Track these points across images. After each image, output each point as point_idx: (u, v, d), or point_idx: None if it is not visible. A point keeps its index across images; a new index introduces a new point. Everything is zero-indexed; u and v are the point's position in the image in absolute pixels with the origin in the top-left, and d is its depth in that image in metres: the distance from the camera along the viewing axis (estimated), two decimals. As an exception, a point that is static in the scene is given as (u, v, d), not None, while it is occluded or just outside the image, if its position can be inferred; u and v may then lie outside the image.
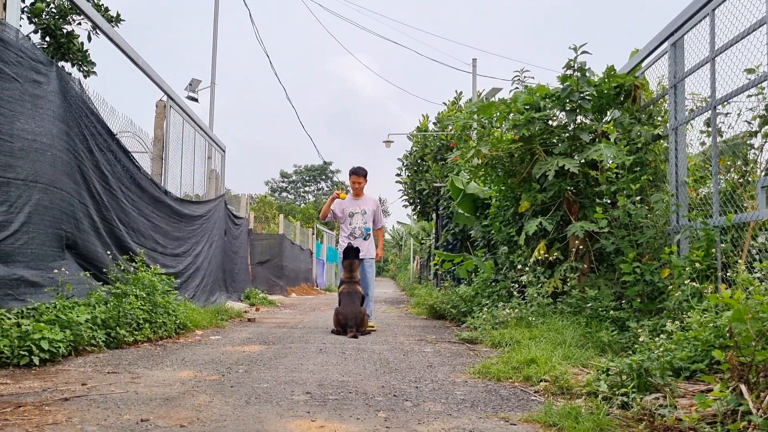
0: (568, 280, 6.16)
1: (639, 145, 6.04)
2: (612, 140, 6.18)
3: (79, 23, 8.40)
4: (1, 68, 4.57)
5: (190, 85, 14.29)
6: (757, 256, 4.49)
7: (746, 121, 4.78)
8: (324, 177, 64.35)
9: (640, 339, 3.93)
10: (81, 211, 5.75)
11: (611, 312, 5.32)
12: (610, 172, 5.87)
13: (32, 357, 3.96)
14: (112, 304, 5.30)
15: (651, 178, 5.95)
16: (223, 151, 11.83)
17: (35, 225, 4.88)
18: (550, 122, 6.85)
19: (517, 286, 7.03)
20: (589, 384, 3.37)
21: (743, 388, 2.53)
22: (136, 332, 5.40)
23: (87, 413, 2.81)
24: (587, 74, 6.46)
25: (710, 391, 2.80)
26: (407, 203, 19.58)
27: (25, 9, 7.85)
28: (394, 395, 3.47)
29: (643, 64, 6.46)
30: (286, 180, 64.84)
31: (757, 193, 4.29)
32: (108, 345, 5.01)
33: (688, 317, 3.79)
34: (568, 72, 6.56)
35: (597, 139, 6.44)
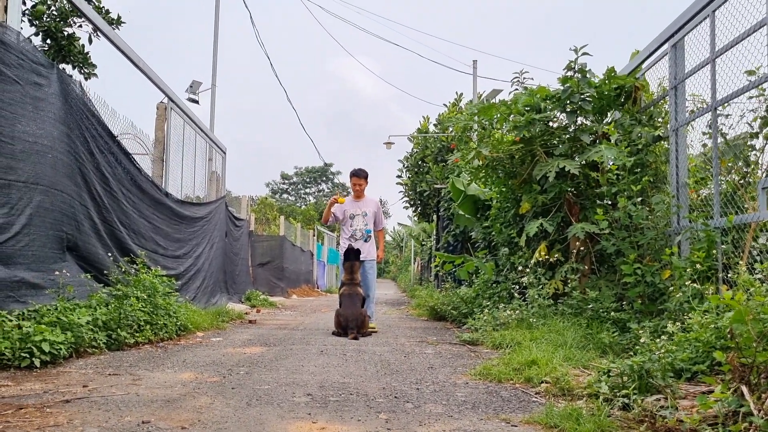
0: (569, 281, 6.16)
1: (639, 147, 6.04)
2: (613, 142, 6.18)
3: (80, 25, 8.43)
4: (2, 71, 4.58)
5: (191, 87, 14.30)
6: (758, 257, 4.49)
7: (747, 123, 4.78)
8: (324, 178, 64.40)
9: (641, 340, 3.93)
10: (82, 213, 5.76)
11: (612, 313, 5.32)
12: (611, 174, 5.87)
13: (33, 359, 3.96)
14: (113, 305, 5.30)
15: (652, 180, 5.95)
16: (224, 153, 11.84)
17: (36, 227, 4.89)
18: (550, 124, 6.85)
19: (517, 287, 7.02)
20: (590, 385, 3.37)
21: (744, 389, 2.53)
22: (137, 334, 5.40)
23: (88, 415, 2.82)
24: (588, 76, 6.47)
25: (711, 392, 2.80)
26: (408, 205, 19.59)
27: (26, 11, 7.87)
28: (395, 397, 3.47)
29: (644, 66, 6.46)
30: (286, 181, 64.90)
31: (757, 195, 4.29)
32: (109, 347, 5.01)
33: (689, 318, 3.78)
34: (569, 73, 6.57)
35: (598, 141, 6.44)
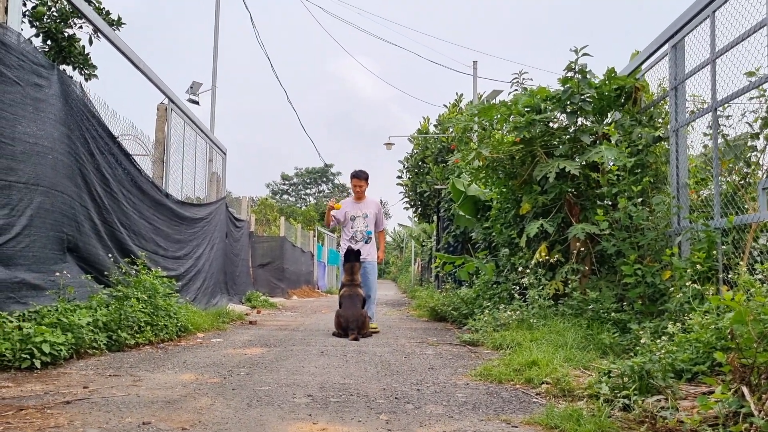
0: (570, 282, 6.16)
1: (640, 147, 6.04)
2: (613, 142, 6.18)
3: (81, 27, 8.44)
4: (2, 72, 4.58)
5: (191, 87, 14.30)
6: (758, 258, 4.49)
7: (747, 123, 4.78)
8: (325, 179, 64.43)
9: (642, 341, 3.94)
10: (82, 214, 5.76)
11: (612, 314, 5.32)
12: (611, 174, 5.87)
13: (34, 360, 3.96)
14: (113, 306, 5.30)
15: (652, 180, 5.95)
16: (224, 154, 11.85)
17: (37, 228, 4.89)
18: (550, 124, 6.86)
19: (518, 288, 7.02)
20: (590, 386, 3.37)
21: (745, 390, 2.53)
22: (138, 335, 5.40)
23: (89, 416, 2.82)
24: (588, 76, 6.47)
25: (712, 393, 2.80)
26: (408, 205, 19.59)
27: (27, 12, 7.88)
28: (396, 398, 3.47)
29: (644, 66, 6.46)
30: (287, 182, 64.92)
31: (758, 195, 4.29)
32: (109, 348, 5.01)
33: (690, 319, 3.79)
34: (569, 74, 6.57)
35: (598, 141, 6.44)
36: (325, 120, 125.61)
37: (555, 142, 6.80)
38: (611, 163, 5.90)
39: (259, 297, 12.84)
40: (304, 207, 54.87)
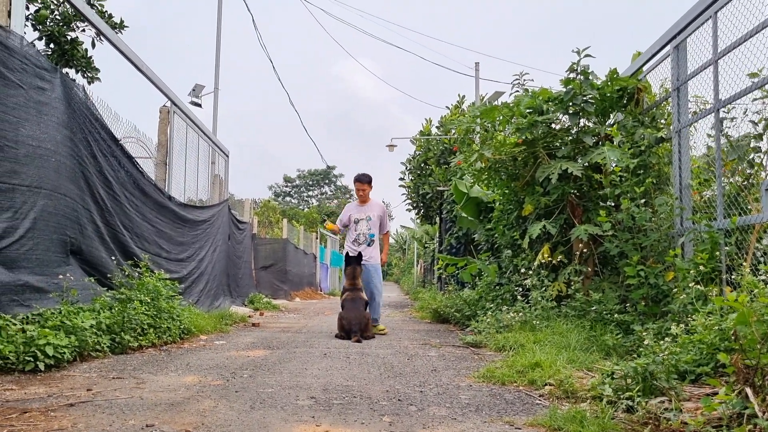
0: (572, 283, 6.15)
1: (642, 148, 6.03)
2: (615, 143, 6.17)
3: (83, 30, 8.46)
4: (6, 75, 4.60)
5: (194, 90, 14.32)
6: (761, 259, 4.48)
7: (751, 121, 4.77)
8: (327, 181, 64.44)
9: (645, 342, 3.93)
10: (85, 216, 5.77)
11: (616, 315, 5.31)
12: (614, 175, 5.86)
13: (37, 363, 3.97)
14: (116, 309, 5.31)
15: (655, 181, 5.94)
16: (227, 156, 11.86)
17: (40, 231, 4.90)
18: (553, 125, 6.85)
19: (521, 289, 7.02)
20: (593, 388, 3.37)
21: (749, 391, 2.52)
22: (141, 337, 5.41)
23: (92, 419, 2.82)
24: (590, 77, 6.46)
25: (716, 394, 2.80)
26: (411, 207, 19.59)
27: (30, 16, 7.90)
28: (399, 400, 3.46)
29: (646, 67, 6.45)
30: (289, 184, 64.93)
31: (761, 196, 4.28)
32: (113, 350, 5.02)
33: (693, 320, 3.78)
34: (571, 75, 6.57)
35: (600, 142, 6.43)
36: (327, 122, 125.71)
37: (557, 144, 6.80)
38: (614, 164, 5.89)
39: (261, 299, 12.85)
40: (306, 209, 54.89)
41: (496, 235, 8.54)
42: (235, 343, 6.28)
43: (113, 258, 6.13)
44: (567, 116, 6.68)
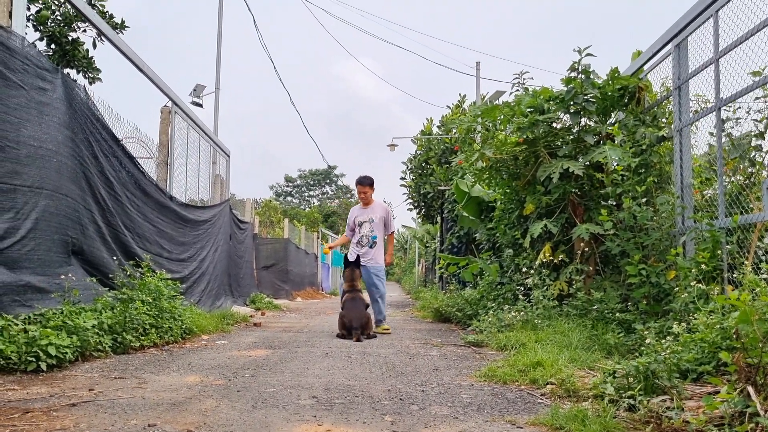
0: (574, 282, 6.15)
1: (644, 147, 6.03)
2: (617, 142, 6.17)
3: (84, 30, 8.46)
4: (7, 76, 4.60)
5: (195, 90, 14.32)
6: (763, 257, 4.47)
7: (754, 120, 4.77)
8: (328, 181, 64.45)
9: (647, 341, 3.92)
10: (86, 217, 5.78)
11: (617, 314, 5.31)
12: (616, 174, 5.86)
13: (39, 363, 3.97)
14: (118, 309, 5.32)
15: (656, 180, 5.94)
16: (228, 156, 11.87)
17: (42, 231, 4.91)
18: (554, 125, 6.85)
19: (522, 288, 7.01)
20: (595, 386, 3.37)
21: (751, 389, 2.52)
22: (143, 337, 5.42)
23: (94, 418, 2.83)
24: (591, 76, 6.46)
25: (717, 393, 2.80)
26: (412, 206, 19.59)
27: (31, 17, 7.91)
28: (401, 399, 3.47)
29: (647, 66, 6.45)
30: (290, 184, 64.96)
31: (762, 195, 4.28)
32: (115, 350, 5.03)
33: (695, 319, 3.77)
34: (572, 74, 6.56)
35: (602, 141, 6.43)
36: (328, 122, 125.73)
37: (558, 143, 6.79)
38: (615, 163, 5.89)
39: (263, 299, 12.86)
40: (307, 209, 54.92)
41: (498, 235, 8.53)
42: (236, 342, 6.28)
43: (115, 258, 6.14)
44: (568, 115, 6.68)
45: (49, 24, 8.12)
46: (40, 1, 7.99)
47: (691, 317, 4.04)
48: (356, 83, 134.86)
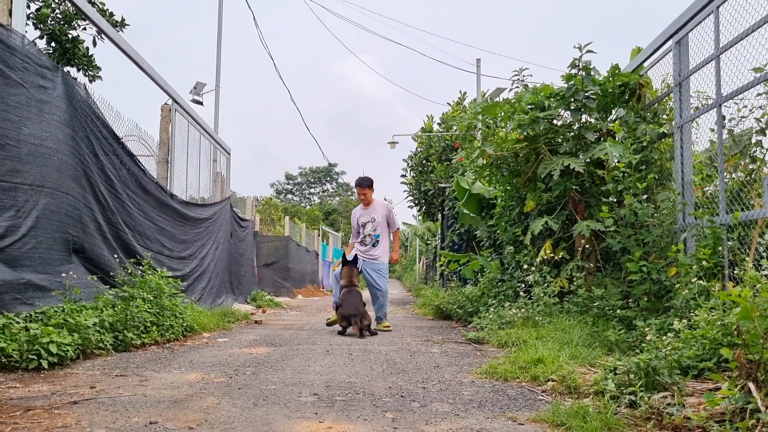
0: (575, 279, 6.15)
1: (644, 144, 6.02)
2: (618, 139, 6.16)
3: (84, 28, 8.46)
4: (7, 74, 4.60)
5: (195, 88, 14.31)
6: (764, 254, 4.47)
7: (756, 118, 4.76)
8: (329, 178, 64.45)
9: (648, 338, 3.92)
10: (87, 215, 5.78)
11: (618, 311, 5.31)
12: (617, 171, 5.85)
13: (41, 361, 3.98)
14: (119, 307, 5.32)
15: (657, 177, 5.93)
16: (229, 154, 11.87)
17: (42, 229, 4.91)
18: (554, 122, 6.84)
19: (523, 285, 7.02)
20: (596, 383, 3.37)
21: (752, 386, 2.52)
22: (144, 335, 5.42)
23: (96, 416, 2.83)
24: (592, 73, 6.45)
25: (718, 389, 2.80)
26: (412, 204, 19.58)
27: (31, 15, 7.91)
28: (402, 396, 3.47)
29: (647, 63, 6.44)
30: (291, 182, 64.97)
31: (763, 191, 4.28)
32: (116, 348, 5.03)
33: (696, 315, 3.77)
34: (573, 71, 6.55)
35: (602, 138, 6.42)
36: (328, 120, 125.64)
37: (559, 140, 6.79)
38: (616, 160, 5.88)
39: (264, 296, 12.87)
40: (308, 206, 54.94)
41: (498, 232, 8.53)
42: (237, 340, 6.29)
43: (115, 256, 6.14)
44: (569, 112, 6.67)
45: (49, 22, 8.12)
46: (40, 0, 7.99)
47: (692, 314, 4.04)
48: (357, 81, 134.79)
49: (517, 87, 7.66)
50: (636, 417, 2.85)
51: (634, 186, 5.62)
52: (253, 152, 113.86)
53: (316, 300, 17.39)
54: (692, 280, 4.40)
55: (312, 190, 65.25)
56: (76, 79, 5.71)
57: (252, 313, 9.83)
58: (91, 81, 8.73)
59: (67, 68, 7.70)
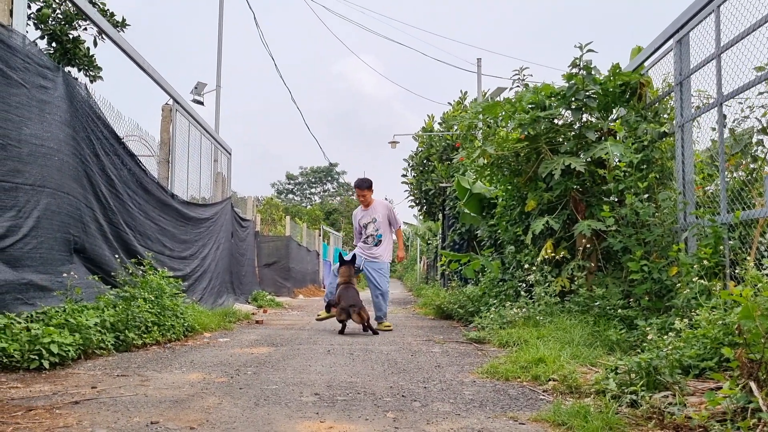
0: (576, 278, 6.15)
1: (645, 143, 6.02)
2: (619, 138, 6.16)
3: (85, 28, 8.47)
4: (8, 74, 4.60)
5: (196, 88, 14.32)
6: (765, 253, 4.46)
7: (757, 117, 4.76)
8: (330, 178, 64.46)
9: (649, 337, 3.92)
10: (88, 215, 5.78)
11: (619, 310, 5.31)
12: (618, 171, 5.85)
13: (42, 361, 3.98)
14: (120, 307, 5.32)
15: (658, 176, 5.93)
16: (229, 154, 11.87)
17: (44, 229, 4.91)
18: (555, 121, 6.83)
19: (524, 285, 7.02)
20: (597, 382, 3.37)
21: (753, 385, 2.52)
22: (145, 335, 5.42)
23: (97, 416, 2.83)
24: (593, 72, 6.45)
25: (720, 388, 2.79)
26: (413, 204, 19.58)
27: (32, 15, 7.91)
28: (403, 396, 3.47)
29: (648, 62, 6.43)
30: (292, 182, 64.98)
31: (764, 190, 4.27)
32: (117, 348, 5.04)
33: (697, 315, 3.77)
34: (574, 70, 6.55)
35: (603, 138, 6.42)
36: (329, 119, 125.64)
37: (560, 139, 6.78)
38: (617, 160, 5.88)
39: (265, 296, 12.87)
40: (309, 206, 54.94)
41: (499, 231, 8.53)
42: (238, 340, 6.29)
43: (116, 256, 6.14)
44: (570, 111, 6.66)
45: (49, 22, 8.13)
46: (41, 0, 7.99)
47: (693, 313, 4.04)
48: (358, 81, 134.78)
49: (518, 86, 7.66)
50: (637, 416, 2.85)
51: (635, 185, 5.62)
52: (253, 152, 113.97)
53: (317, 300, 17.39)
54: (693, 280, 4.40)
55: (313, 190, 65.28)
56: (77, 79, 5.72)
57: (253, 313, 9.84)
58: (92, 81, 8.74)
59: (68, 68, 7.70)
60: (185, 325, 6.22)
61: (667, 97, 6.10)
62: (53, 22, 8.18)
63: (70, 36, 8.28)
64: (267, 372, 4.22)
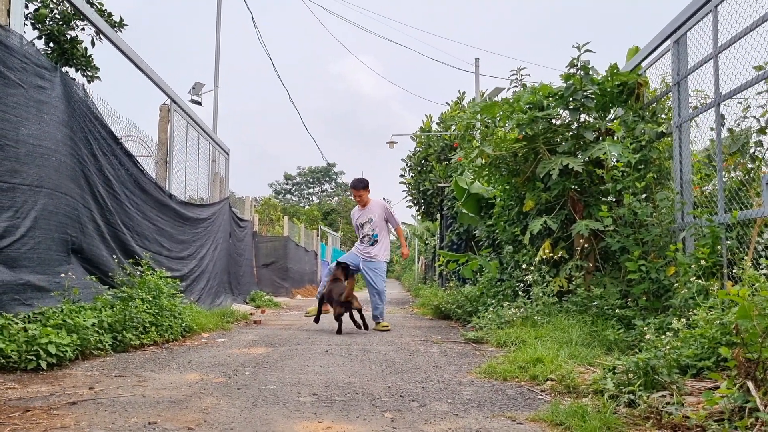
0: (574, 278, 6.15)
1: (643, 143, 6.02)
2: (617, 138, 6.16)
3: (83, 29, 8.45)
4: (5, 74, 4.59)
5: (194, 88, 14.31)
6: (763, 253, 4.47)
7: (754, 117, 4.77)
8: (328, 178, 64.44)
9: (647, 337, 3.93)
10: (86, 215, 5.77)
11: (617, 310, 5.31)
12: (616, 171, 5.85)
13: (40, 361, 3.97)
14: (118, 307, 5.32)
15: (656, 176, 5.93)
16: (227, 154, 11.86)
17: (41, 230, 4.90)
18: (553, 121, 6.84)
19: (522, 285, 7.02)
20: (595, 382, 3.37)
21: (750, 384, 2.52)
22: (143, 335, 5.42)
23: (95, 417, 2.83)
24: (590, 73, 6.45)
25: (717, 388, 2.80)
26: (411, 204, 19.60)
27: (29, 15, 7.90)
28: (401, 396, 3.47)
29: (645, 63, 6.44)
30: (290, 182, 64.95)
31: (762, 190, 4.28)
32: (115, 348, 5.03)
33: (695, 315, 3.78)
34: (571, 70, 6.55)
35: (601, 138, 6.42)
36: (327, 120, 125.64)
37: (558, 139, 6.79)
38: (615, 160, 5.88)
39: (263, 296, 12.86)
40: (307, 206, 54.90)
41: (497, 231, 8.54)
42: (236, 340, 6.29)
43: (114, 256, 6.13)
44: (567, 112, 6.67)
45: (47, 22, 8.11)
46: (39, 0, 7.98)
47: (690, 313, 4.05)
48: (356, 81, 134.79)
49: (516, 87, 7.66)
50: (635, 416, 2.85)
51: (633, 185, 5.62)
52: (251, 152, 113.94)
53: (314, 300, 17.37)
54: (691, 280, 4.40)
55: (311, 190, 65.25)
56: (74, 79, 5.71)
57: (251, 314, 9.83)
58: (89, 81, 8.72)
59: (65, 68, 7.70)
60: (183, 325, 6.21)
61: (665, 97, 6.11)
62: (51, 22, 8.17)
63: (68, 36, 8.27)
64: (265, 372, 4.22)
